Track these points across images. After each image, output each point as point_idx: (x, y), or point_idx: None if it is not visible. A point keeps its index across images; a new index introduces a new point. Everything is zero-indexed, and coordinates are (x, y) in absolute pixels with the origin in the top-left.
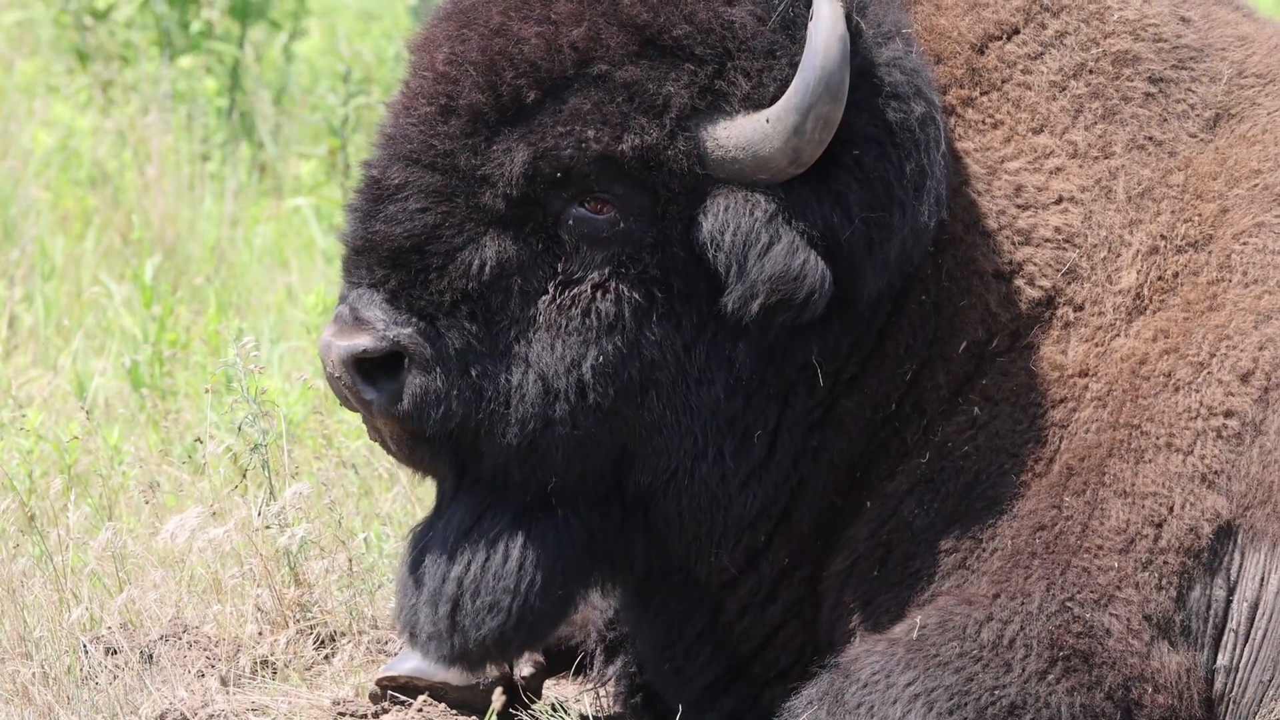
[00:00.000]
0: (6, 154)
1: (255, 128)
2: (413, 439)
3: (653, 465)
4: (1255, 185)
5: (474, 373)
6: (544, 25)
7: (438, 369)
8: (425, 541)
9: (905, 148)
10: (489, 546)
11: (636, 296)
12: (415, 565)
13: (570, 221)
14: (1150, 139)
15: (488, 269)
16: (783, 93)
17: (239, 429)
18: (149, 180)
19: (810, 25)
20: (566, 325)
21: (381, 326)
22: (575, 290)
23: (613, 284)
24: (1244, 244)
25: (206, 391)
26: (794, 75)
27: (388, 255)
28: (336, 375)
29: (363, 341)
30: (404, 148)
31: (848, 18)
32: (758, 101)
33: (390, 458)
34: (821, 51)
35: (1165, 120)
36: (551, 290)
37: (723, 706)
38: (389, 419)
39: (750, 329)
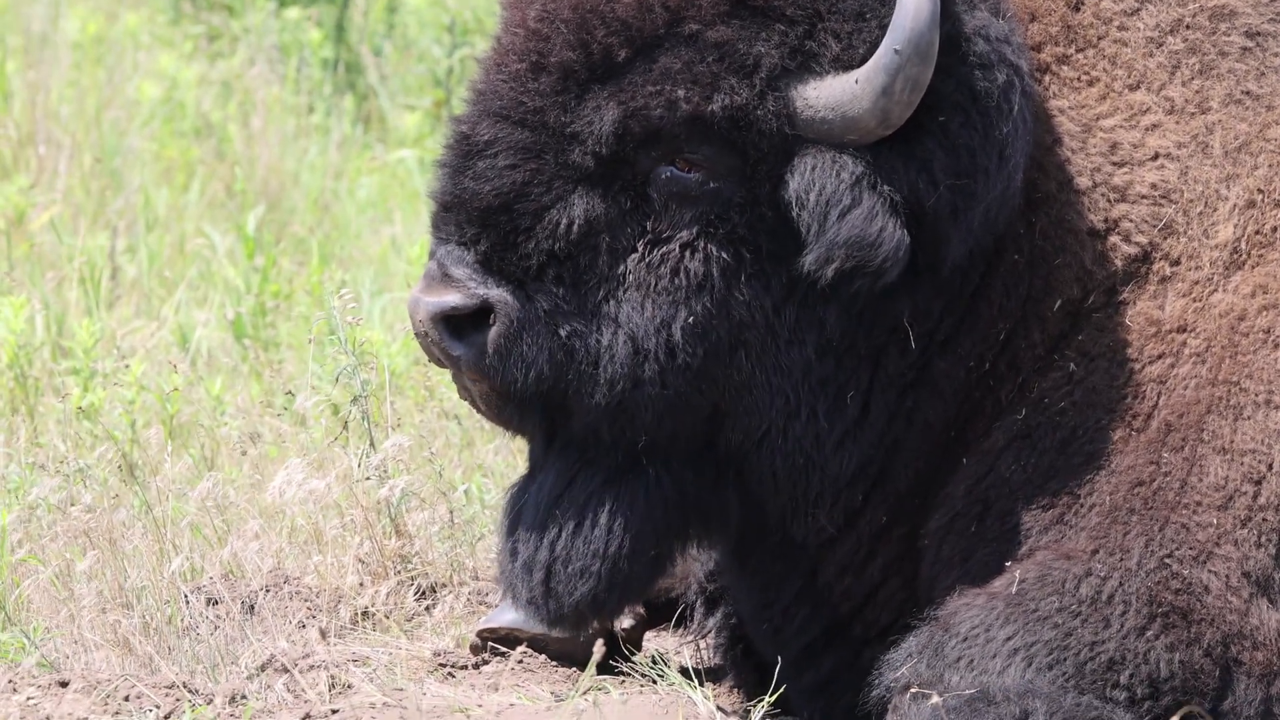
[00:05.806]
0: (112, 105)
1: (360, 79)
2: (501, 398)
3: (744, 424)
4: None
5: (563, 332)
6: None
7: (526, 330)
8: (519, 506)
9: (989, 115)
10: (579, 513)
11: (725, 256)
12: (510, 530)
13: (659, 180)
14: (1247, 93)
15: (576, 227)
16: (872, 55)
17: (337, 380)
18: (253, 132)
19: None
20: (655, 284)
21: (471, 284)
22: (664, 249)
23: (701, 243)
24: None
25: (310, 342)
26: (883, 37)
27: (477, 212)
28: (424, 331)
29: (451, 299)
30: (494, 104)
31: None
32: (847, 63)
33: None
34: (911, 13)
35: (1263, 74)
36: (640, 249)
37: (821, 665)
38: (477, 375)
39: (839, 291)
